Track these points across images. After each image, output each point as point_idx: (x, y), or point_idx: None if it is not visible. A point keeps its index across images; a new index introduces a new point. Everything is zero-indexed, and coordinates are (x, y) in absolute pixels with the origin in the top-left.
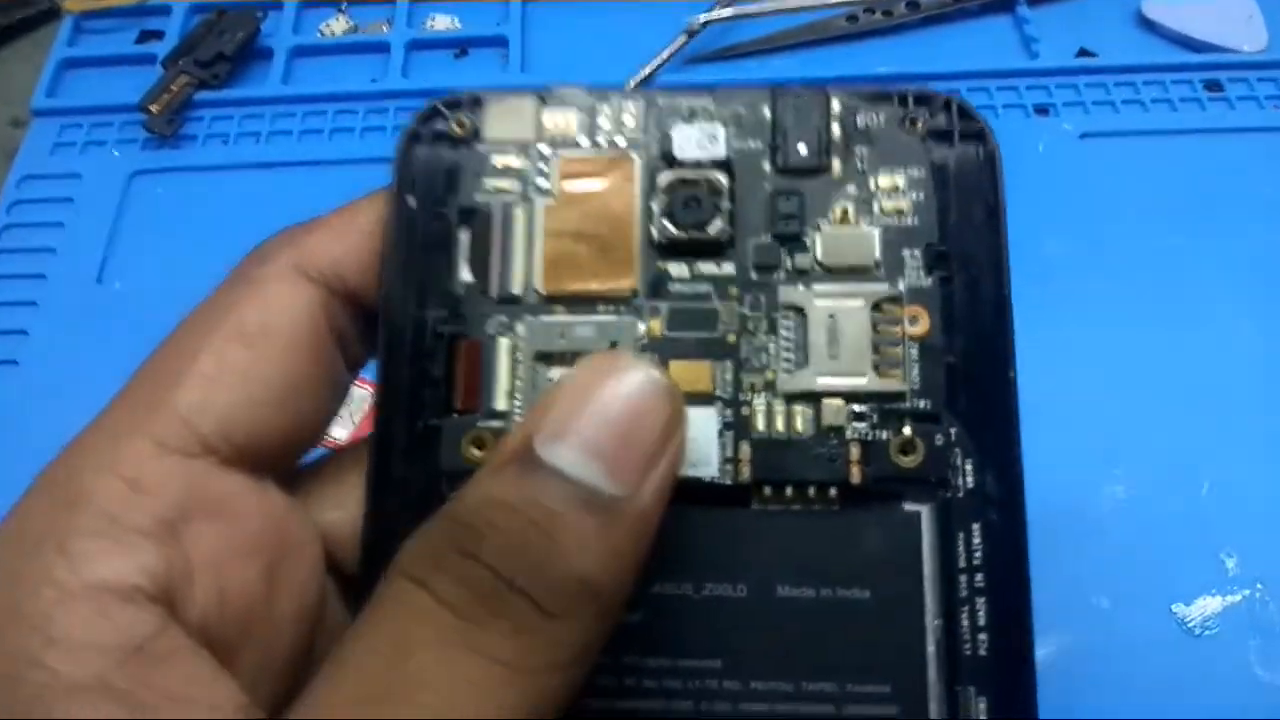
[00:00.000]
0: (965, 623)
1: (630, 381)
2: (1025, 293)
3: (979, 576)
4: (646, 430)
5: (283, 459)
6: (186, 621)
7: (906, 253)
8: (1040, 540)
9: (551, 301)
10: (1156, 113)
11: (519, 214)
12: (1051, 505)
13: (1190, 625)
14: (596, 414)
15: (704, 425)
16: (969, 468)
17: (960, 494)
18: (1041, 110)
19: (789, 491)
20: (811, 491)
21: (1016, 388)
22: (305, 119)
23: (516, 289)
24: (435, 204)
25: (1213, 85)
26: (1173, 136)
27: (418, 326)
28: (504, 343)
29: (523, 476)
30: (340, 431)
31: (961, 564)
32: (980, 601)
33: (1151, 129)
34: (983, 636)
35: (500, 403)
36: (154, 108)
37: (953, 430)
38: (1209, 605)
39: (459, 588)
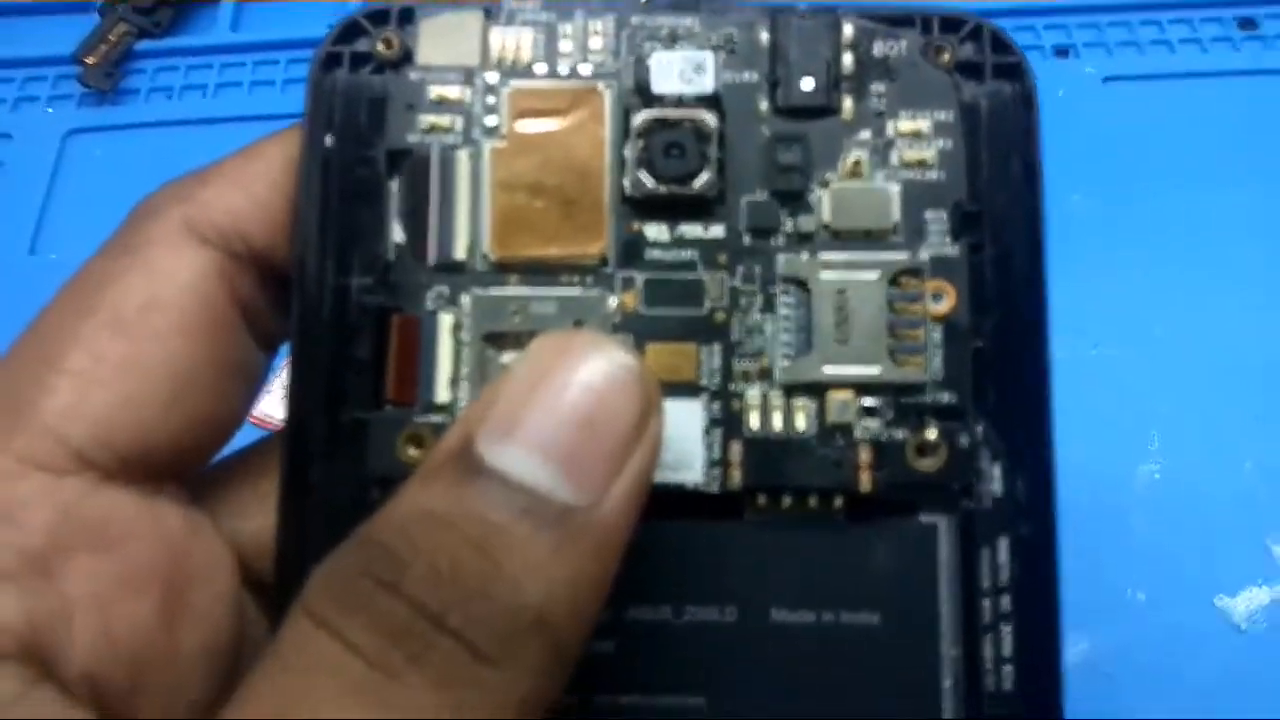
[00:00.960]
0: (988, 653)
1: (594, 367)
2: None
3: (1005, 600)
4: (613, 425)
5: (181, 466)
6: (65, 675)
7: (930, 215)
8: (1068, 528)
9: (503, 270)
10: (1185, 54)
11: (462, 160)
12: (1079, 489)
13: (1235, 620)
14: (552, 406)
15: (686, 421)
16: (997, 473)
17: (986, 504)
18: (1061, 52)
19: (787, 500)
20: (813, 501)
21: (1051, 379)
22: (256, 69)
23: (459, 254)
24: (359, 144)
25: (1247, 23)
26: (1203, 79)
27: (339, 297)
28: (445, 320)
29: (459, 484)
30: (279, 409)
31: (985, 584)
32: (1005, 629)
33: (1180, 71)
34: (1007, 669)
35: (441, 393)
36: (90, 59)
37: (979, 429)
38: (1256, 597)
39: (372, 630)
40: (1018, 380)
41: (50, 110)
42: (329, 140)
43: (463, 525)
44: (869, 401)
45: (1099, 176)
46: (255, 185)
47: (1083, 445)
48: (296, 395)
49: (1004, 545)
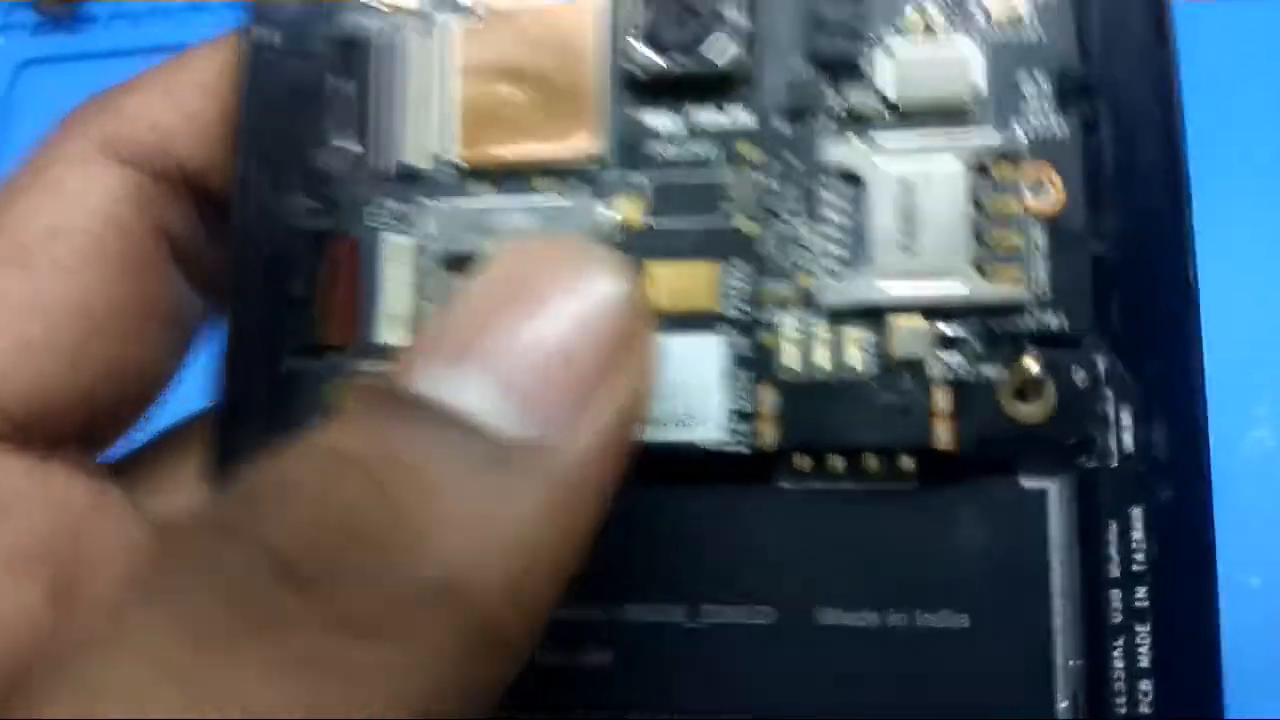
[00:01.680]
0: (1119, 665)
1: (577, 285)
2: None
3: (1140, 591)
4: (591, 354)
5: (92, 431)
6: None
7: (1027, 82)
8: None
9: (471, 176)
10: None
11: (421, 45)
12: None
13: None
14: (516, 330)
15: (703, 361)
16: (1126, 420)
17: (1112, 462)
18: None
19: (837, 463)
20: (873, 462)
21: (1197, 296)
22: None
23: (417, 159)
24: (305, 39)
25: None
26: None
27: (278, 223)
28: (396, 242)
29: (376, 419)
30: None
31: (1114, 572)
32: (1142, 631)
33: None
34: (1145, 686)
35: (386, 332)
36: None
37: (1101, 361)
38: None
39: (203, 592)
40: (1153, 298)
41: (1, 41)
42: (267, 35)
43: (369, 465)
44: (948, 329)
45: (1202, 105)
46: (185, 95)
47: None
48: (230, 347)
49: (1138, 517)
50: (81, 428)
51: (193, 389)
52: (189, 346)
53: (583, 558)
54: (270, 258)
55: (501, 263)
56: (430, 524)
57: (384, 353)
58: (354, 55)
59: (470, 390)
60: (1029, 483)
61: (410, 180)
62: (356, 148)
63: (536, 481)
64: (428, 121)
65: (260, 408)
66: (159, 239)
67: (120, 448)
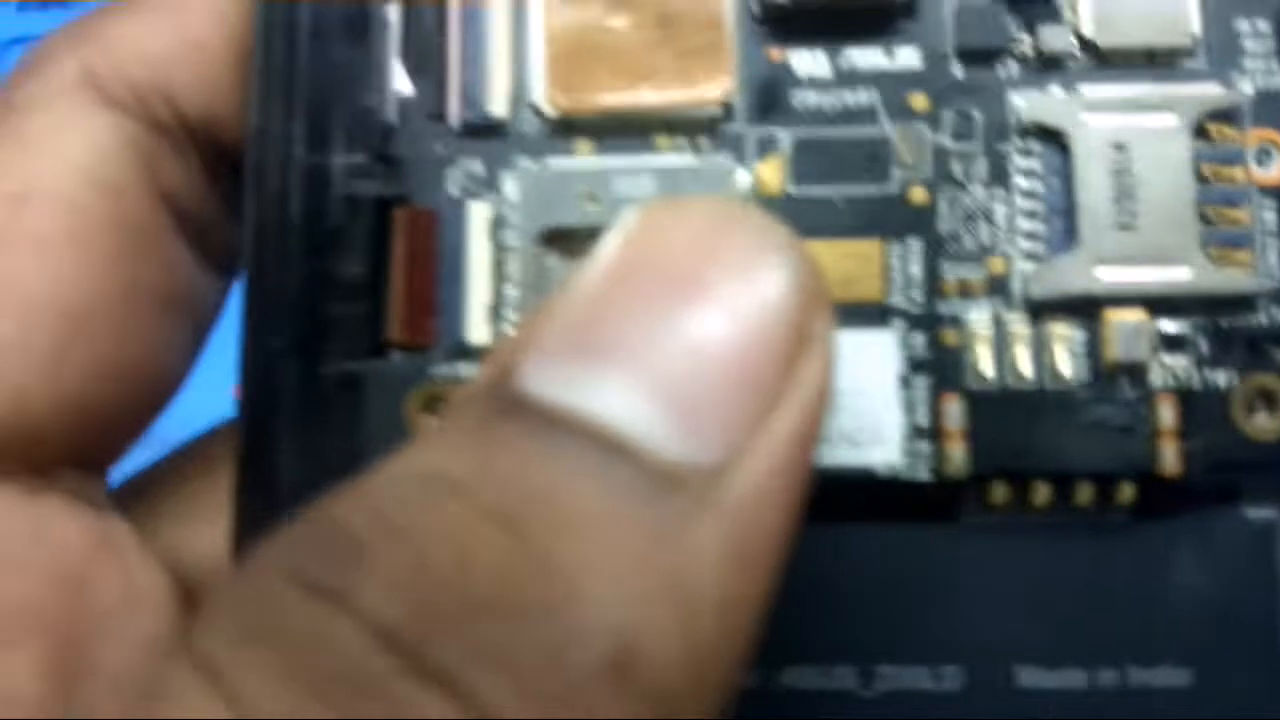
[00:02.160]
0: None
1: (747, 267)
2: None
3: None
4: (763, 351)
5: (86, 451)
6: None
7: (1246, 26)
8: None
9: (567, 131)
10: None
11: None
12: None
13: None
14: (669, 326)
15: (874, 364)
16: None
17: None
18: None
19: (1041, 492)
20: (1087, 492)
21: None
22: None
23: (498, 108)
24: None
25: None
26: None
27: (315, 185)
28: (479, 211)
29: (483, 431)
30: None
31: None
32: None
33: None
34: None
35: (476, 330)
36: None
37: None
38: None
39: (284, 675)
40: None
41: None
42: None
43: (484, 492)
44: (1172, 326)
45: None
46: (189, 19)
47: None
48: (254, 341)
49: None
50: (73, 447)
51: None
52: (201, 340)
53: (765, 613)
54: (305, 229)
55: (639, 234)
56: (583, 575)
57: (466, 352)
58: None
59: (611, 397)
60: (1256, 513)
61: (488, 133)
62: (414, 93)
63: (712, 517)
64: (509, 61)
65: (294, 419)
66: (157, 204)
67: (123, 468)
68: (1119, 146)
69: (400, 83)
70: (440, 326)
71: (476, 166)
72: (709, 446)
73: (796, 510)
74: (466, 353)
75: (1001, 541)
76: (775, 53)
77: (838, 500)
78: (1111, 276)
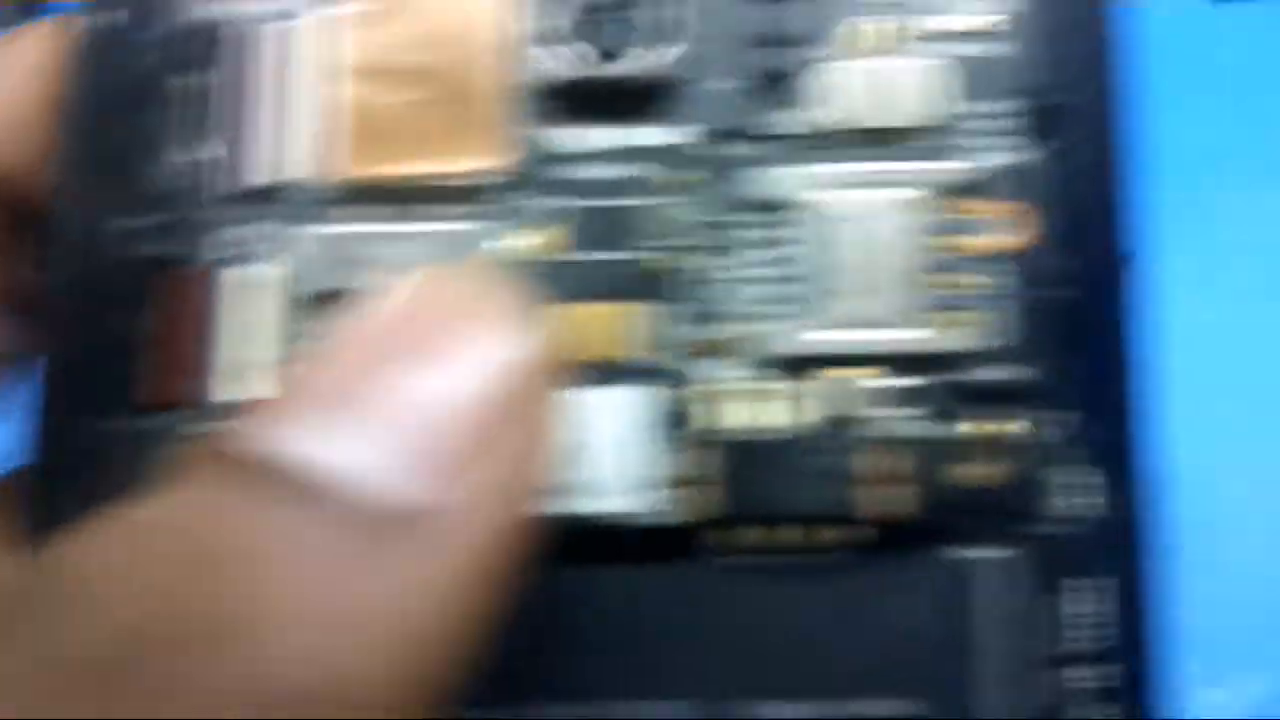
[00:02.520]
0: None
1: (475, 328)
2: None
3: (1101, 672)
4: (485, 405)
5: None
6: None
7: (990, 108)
8: None
9: (346, 196)
10: None
11: (287, 37)
12: None
13: None
14: (397, 383)
15: (618, 418)
16: (1092, 482)
17: (1070, 528)
18: None
19: (759, 535)
20: (803, 534)
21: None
22: None
23: (278, 174)
24: (145, 26)
25: None
26: None
27: (107, 247)
28: (254, 274)
29: (218, 487)
30: None
31: (1072, 650)
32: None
33: None
34: None
35: (240, 384)
36: None
37: (1068, 418)
38: None
39: None
40: (1119, 350)
41: None
42: (114, 16)
43: (197, 541)
44: (897, 382)
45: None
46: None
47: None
48: (48, 396)
49: (1106, 588)
50: None
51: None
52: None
53: (482, 649)
54: (95, 288)
55: (385, 299)
56: (284, 611)
57: (235, 410)
58: (206, 46)
59: (337, 447)
60: (979, 553)
61: (270, 200)
62: (207, 158)
63: (421, 556)
64: (294, 130)
65: (83, 474)
66: None
67: None
68: (853, 220)
69: (189, 147)
70: (199, 387)
71: (253, 230)
72: (420, 491)
73: (517, 551)
74: (221, 411)
75: (729, 580)
76: (550, 128)
77: (587, 546)
78: (833, 339)
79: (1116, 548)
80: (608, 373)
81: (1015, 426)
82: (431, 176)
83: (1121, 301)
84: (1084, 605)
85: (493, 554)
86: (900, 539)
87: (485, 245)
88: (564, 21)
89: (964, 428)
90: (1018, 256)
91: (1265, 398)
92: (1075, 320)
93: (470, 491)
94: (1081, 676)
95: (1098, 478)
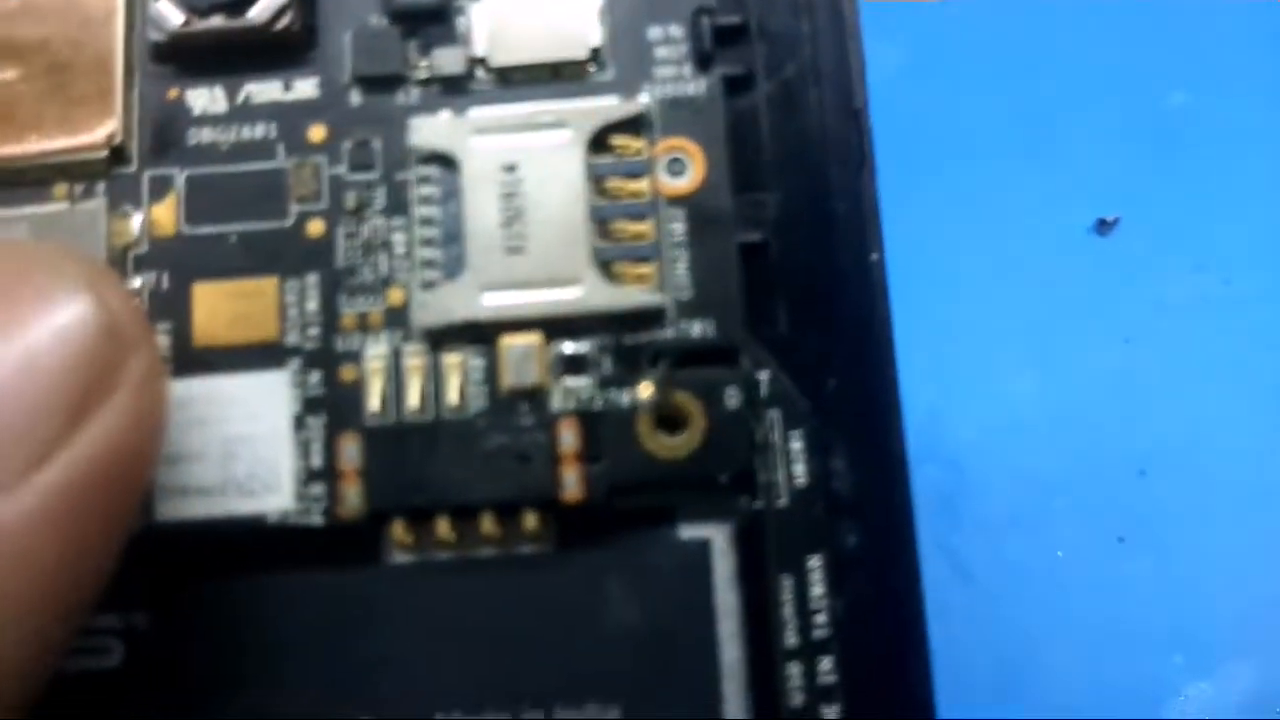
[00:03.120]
0: None
1: (28, 309)
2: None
3: (824, 664)
4: (40, 393)
5: None
6: None
7: (656, 32)
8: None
9: None
10: None
11: None
12: (1220, 472)
13: None
14: None
15: (268, 407)
16: (798, 447)
17: (782, 500)
18: None
19: (443, 528)
20: (490, 524)
21: (886, 286)
22: None
23: None
24: None
25: None
26: None
27: None
28: None
29: None
30: None
31: (792, 640)
32: (830, 713)
33: None
34: None
35: None
36: None
37: (764, 377)
38: None
39: None
40: (831, 296)
41: None
42: None
43: None
44: (571, 346)
45: (1205, 71)
46: None
47: (1223, 405)
48: None
49: (816, 568)
50: None
51: None
52: None
53: (55, 652)
54: None
55: None
56: None
57: None
58: None
59: None
60: (686, 532)
61: None
62: None
63: None
64: None
65: None
66: None
67: None
68: (509, 168)
69: None
70: None
71: None
72: None
73: (95, 551)
74: None
75: (412, 580)
76: (173, 91)
77: (253, 550)
78: (500, 301)
79: (836, 521)
80: (257, 355)
81: (707, 390)
82: (44, 154)
83: (832, 244)
84: (808, 586)
85: (54, 554)
86: (600, 522)
87: (97, 224)
88: None
89: (656, 394)
90: (695, 198)
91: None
92: (770, 269)
93: (29, 485)
94: (811, 670)
95: (805, 443)
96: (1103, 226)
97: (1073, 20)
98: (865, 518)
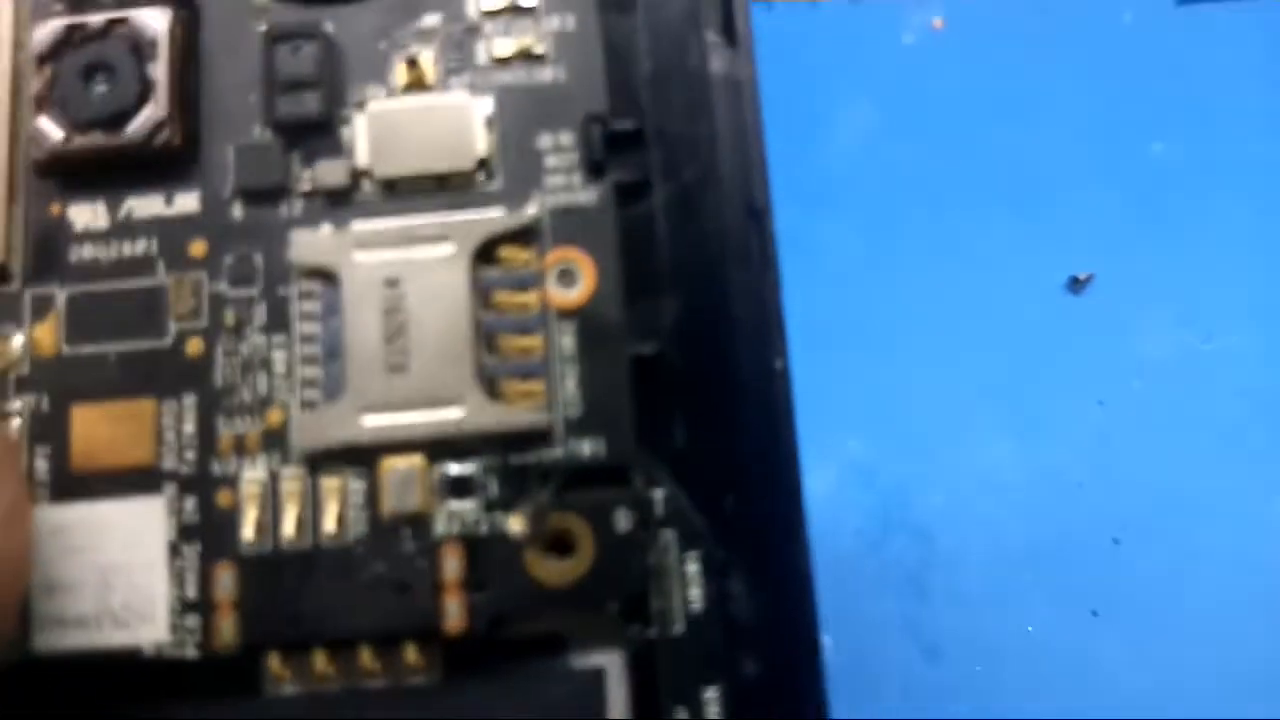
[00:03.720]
0: None
1: None
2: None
3: None
4: None
5: None
6: None
7: (547, 141)
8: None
9: None
10: None
11: None
12: (1201, 525)
13: None
14: None
15: (143, 534)
16: (694, 570)
17: (679, 626)
18: None
19: (320, 662)
20: (368, 657)
21: (791, 395)
22: None
23: None
24: None
25: None
26: None
27: None
28: None
29: None
30: None
31: None
32: None
33: None
34: None
35: None
36: None
37: (659, 495)
38: None
39: None
40: (729, 407)
41: None
42: None
43: None
44: (456, 468)
45: (1185, 120)
46: None
47: (1202, 469)
48: None
49: (712, 700)
50: None
51: None
52: None
53: None
54: None
55: None
56: None
57: None
58: None
59: None
60: (578, 661)
61: None
62: None
63: None
64: None
65: None
66: None
67: None
68: (392, 283)
69: None
70: None
71: None
72: None
73: None
74: None
75: (305, 714)
76: (55, 207)
77: (127, 683)
78: (379, 422)
79: (734, 648)
80: (133, 480)
81: (597, 512)
82: None
83: (730, 353)
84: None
85: None
86: (489, 651)
87: None
88: (61, 88)
89: (533, 518)
90: (584, 310)
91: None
92: (665, 380)
93: None
94: None
95: (701, 565)
96: (1076, 284)
97: (1046, 69)
98: (766, 645)
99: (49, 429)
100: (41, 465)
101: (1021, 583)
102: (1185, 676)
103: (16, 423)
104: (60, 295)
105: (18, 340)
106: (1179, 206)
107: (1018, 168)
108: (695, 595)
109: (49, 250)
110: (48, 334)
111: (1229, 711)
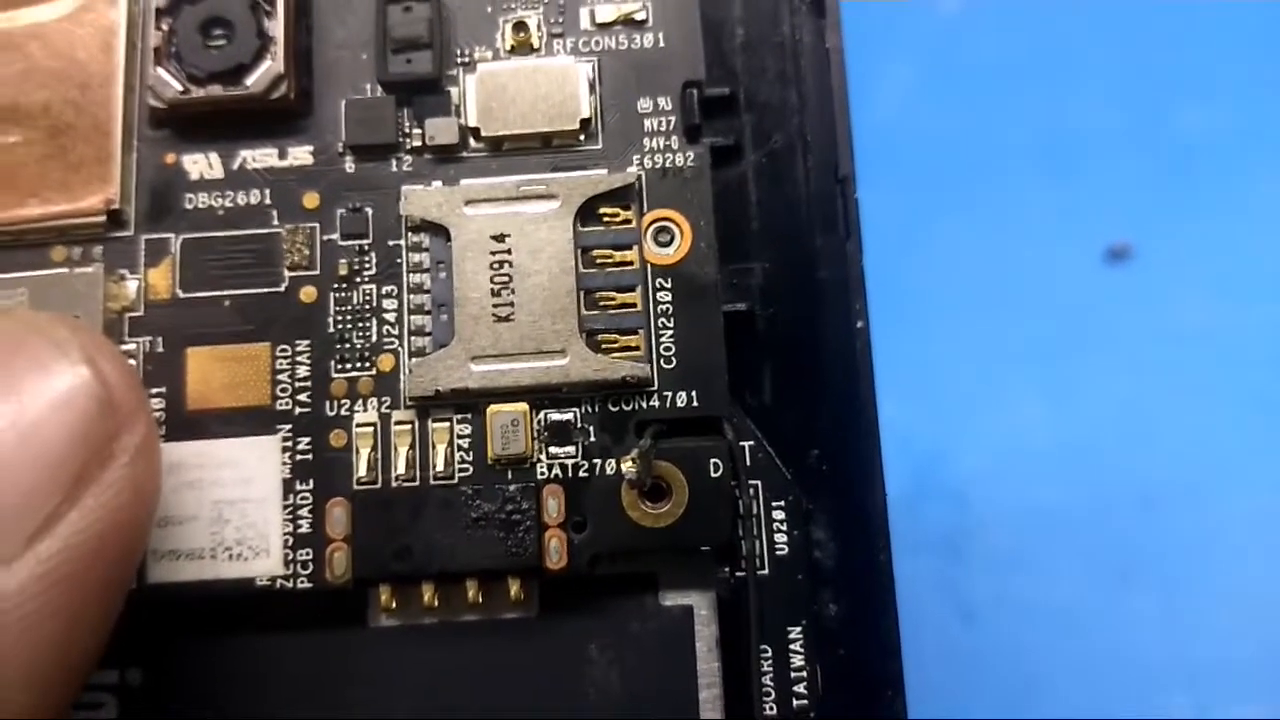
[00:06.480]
0: None
1: (21, 380)
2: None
3: None
4: (31, 466)
5: None
6: None
7: (645, 104)
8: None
9: None
10: None
11: None
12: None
13: None
14: None
15: (258, 472)
16: (780, 518)
17: (765, 569)
18: None
19: (428, 595)
20: (474, 591)
21: (871, 356)
22: None
23: None
24: None
25: None
26: None
27: None
28: None
29: None
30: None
31: (770, 710)
32: None
33: None
34: None
35: None
36: None
37: (747, 447)
38: None
39: None
40: (812, 366)
41: None
42: None
43: None
44: (557, 415)
45: (1225, 89)
46: None
47: (1233, 436)
48: None
49: (796, 638)
50: None
51: None
52: None
53: (59, 709)
54: None
55: None
56: None
57: None
58: None
59: None
60: (669, 600)
61: None
62: None
63: None
64: None
65: None
66: None
67: None
68: (499, 237)
69: None
70: None
71: None
72: None
73: (83, 616)
74: None
75: (409, 644)
76: (170, 157)
77: (242, 614)
78: (487, 369)
79: (818, 591)
80: (247, 420)
81: (691, 461)
82: (35, 219)
83: (818, 314)
84: (789, 657)
85: (70, 635)
86: (584, 589)
87: (94, 289)
88: (172, 40)
89: (642, 460)
90: (681, 267)
91: None
92: (758, 336)
93: (37, 568)
94: None
95: (786, 513)
96: (1113, 253)
97: (1085, 37)
98: (846, 588)
99: (162, 370)
100: (156, 404)
101: (1054, 547)
102: (1214, 639)
103: (130, 363)
104: (175, 242)
105: (132, 284)
106: (1217, 176)
107: (1056, 136)
108: (780, 541)
109: (164, 198)
110: (162, 278)
111: (1260, 674)
